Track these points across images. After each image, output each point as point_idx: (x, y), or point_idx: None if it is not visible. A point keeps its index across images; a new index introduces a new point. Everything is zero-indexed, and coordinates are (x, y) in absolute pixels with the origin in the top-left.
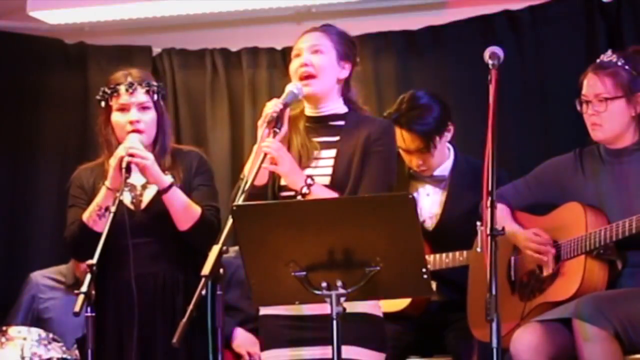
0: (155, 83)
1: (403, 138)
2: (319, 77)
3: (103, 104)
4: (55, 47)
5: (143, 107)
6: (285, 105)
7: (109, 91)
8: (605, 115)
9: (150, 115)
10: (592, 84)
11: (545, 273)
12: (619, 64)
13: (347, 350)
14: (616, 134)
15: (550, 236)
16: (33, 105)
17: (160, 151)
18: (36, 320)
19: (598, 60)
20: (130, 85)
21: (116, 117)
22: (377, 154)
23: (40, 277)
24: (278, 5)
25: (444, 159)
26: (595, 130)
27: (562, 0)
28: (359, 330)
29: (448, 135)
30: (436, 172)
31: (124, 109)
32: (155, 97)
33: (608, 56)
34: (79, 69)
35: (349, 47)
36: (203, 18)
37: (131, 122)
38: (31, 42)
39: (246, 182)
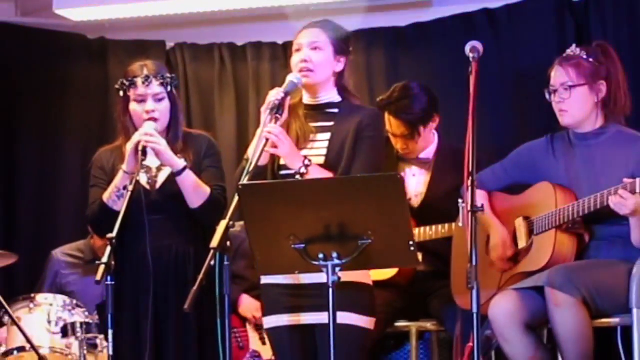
0: (168, 75)
1: (390, 123)
2: (317, 71)
3: (121, 93)
4: (79, 42)
5: (158, 98)
6: (286, 94)
7: (127, 83)
8: (570, 101)
9: (165, 105)
10: (558, 74)
11: (520, 246)
12: (583, 56)
13: (341, 316)
14: (581, 119)
15: (524, 213)
16: (59, 94)
17: (173, 137)
18: (60, 292)
19: (564, 54)
20: (147, 78)
21: (134, 106)
22: (368, 139)
23: (61, 254)
24: (280, 3)
25: (428, 144)
26: (562, 116)
27: None
28: (352, 297)
29: (433, 125)
30: (421, 155)
31: (141, 99)
32: (169, 88)
33: (572, 50)
34: (100, 61)
35: (344, 42)
36: (212, 15)
37: (147, 112)
38: (57, 38)
39: (250, 164)
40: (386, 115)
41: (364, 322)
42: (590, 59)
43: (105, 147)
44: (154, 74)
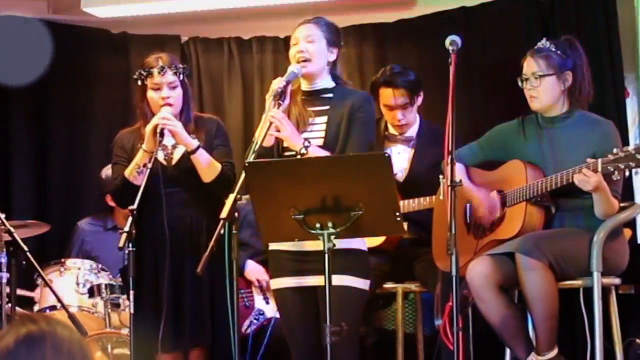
0: (181, 65)
1: (393, 95)
2: (313, 60)
3: (139, 82)
4: (103, 36)
5: (172, 86)
6: (288, 83)
7: (144, 73)
8: (540, 89)
9: (178, 92)
10: (530, 65)
11: (495, 215)
12: (552, 49)
13: (340, 279)
14: (549, 104)
15: (497, 187)
16: (85, 83)
17: (185, 119)
18: (86, 258)
19: (535, 47)
20: (162, 68)
21: (150, 93)
22: (360, 119)
23: (86, 224)
24: (281, 2)
25: (413, 123)
26: (532, 102)
27: None
28: (350, 262)
29: (419, 100)
30: (406, 134)
31: (157, 87)
32: (181, 77)
33: (542, 43)
34: (122, 53)
35: (336, 36)
36: (221, 12)
37: (163, 98)
38: (84, 32)
39: (256, 144)
40: (386, 90)
41: (361, 283)
42: (558, 52)
43: (126, 129)
44: (168, 65)
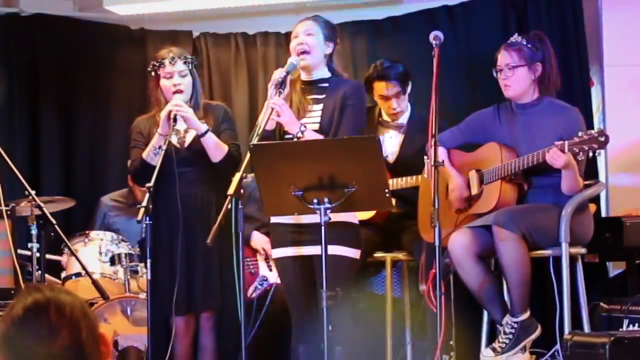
0: (189, 56)
1: (387, 87)
2: (311, 53)
3: (153, 73)
4: (123, 32)
5: (182, 75)
6: (288, 73)
7: (157, 64)
8: (512, 78)
9: (188, 80)
10: (503, 57)
11: (473, 192)
12: (523, 42)
13: (333, 249)
14: (521, 92)
15: (476, 167)
16: (107, 74)
17: (194, 105)
18: (108, 230)
19: (508, 41)
20: (172, 59)
21: (163, 82)
22: (351, 106)
23: (108, 200)
24: (283, 1)
25: (406, 111)
26: (506, 90)
27: None
28: (342, 234)
29: (409, 89)
30: (398, 121)
31: (169, 76)
32: (190, 66)
33: (515, 37)
34: (140, 47)
35: (332, 32)
36: (229, 10)
37: (174, 85)
38: (106, 28)
39: (259, 128)
40: (380, 84)
41: (352, 253)
42: (529, 45)
43: (142, 116)
44: (178, 55)
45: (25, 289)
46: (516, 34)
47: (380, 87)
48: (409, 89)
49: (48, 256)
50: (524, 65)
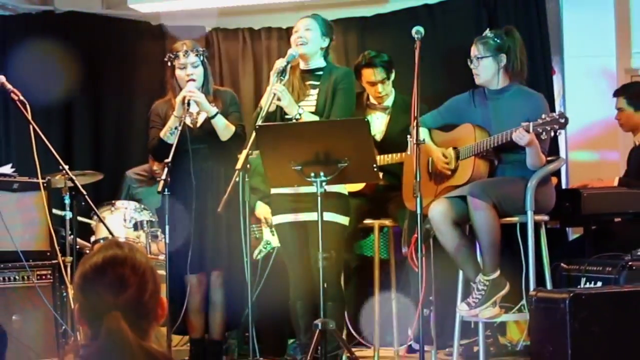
0: (201, 49)
1: (374, 73)
2: (308, 44)
3: (169, 64)
4: (145, 27)
5: (194, 65)
6: (288, 62)
7: (172, 56)
8: (480, 68)
9: (200, 70)
10: (474, 49)
11: (450, 167)
12: (490, 36)
13: (326, 215)
14: (488, 80)
15: (453, 144)
16: (131, 65)
17: (206, 91)
18: (131, 200)
19: (480, 35)
20: (186, 52)
21: (178, 72)
22: (341, 90)
23: (132, 174)
24: (284, 0)
25: (390, 95)
26: (476, 78)
27: None
28: (334, 203)
29: (392, 75)
30: (384, 104)
31: (182, 67)
32: (202, 58)
33: (485, 33)
34: (159, 41)
35: (328, 28)
36: (237, 8)
37: (188, 75)
38: (130, 24)
39: (263, 110)
40: (367, 70)
41: (341, 219)
42: (496, 39)
43: (159, 100)
44: (191, 49)
45: (109, 243)
46: (487, 29)
47: (367, 74)
48: (392, 75)
49: (80, 219)
50: (489, 56)
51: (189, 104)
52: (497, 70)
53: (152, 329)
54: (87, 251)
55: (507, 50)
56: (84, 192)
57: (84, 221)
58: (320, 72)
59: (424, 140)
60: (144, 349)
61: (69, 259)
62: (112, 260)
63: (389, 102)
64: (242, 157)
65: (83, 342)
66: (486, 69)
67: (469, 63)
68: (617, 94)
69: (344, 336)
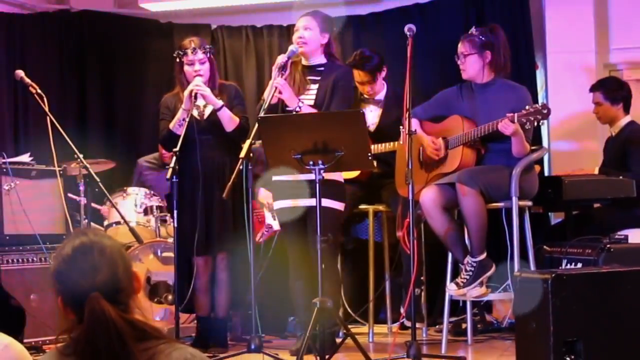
0: (208, 46)
1: (359, 75)
2: (308, 43)
3: (178, 60)
4: (154, 25)
5: (202, 62)
6: (288, 58)
7: (181, 52)
8: (466, 64)
9: (206, 66)
10: (461, 46)
11: (440, 156)
12: (476, 34)
13: (324, 201)
14: (474, 75)
15: (442, 135)
16: (141, 60)
17: (212, 86)
18: (142, 186)
19: (466, 33)
20: (194, 49)
21: (186, 67)
22: (341, 87)
23: (143, 161)
24: None
25: (381, 90)
26: (463, 73)
27: None
28: (330, 189)
29: (383, 74)
30: (376, 97)
31: (190, 63)
32: (208, 54)
33: (472, 30)
34: (168, 38)
35: (327, 24)
36: (241, 7)
37: (195, 71)
38: (140, 22)
39: (265, 103)
40: (355, 72)
41: (338, 205)
42: (481, 37)
43: (169, 94)
44: (198, 46)
45: (74, 233)
46: (473, 27)
47: (356, 74)
48: (382, 74)
49: (93, 205)
50: (475, 53)
51: (196, 97)
52: (483, 66)
53: (132, 301)
54: None
55: (492, 47)
56: (98, 179)
57: (95, 207)
58: (321, 69)
59: (415, 130)
60: (128, 321)
61: None
62: (80, 248)
63: (380, 96)
64: (245, 147)
65: (68, 331)
66: (472, 65)
67: (456, 59)
68: (593, 89)
69: (340, 314)
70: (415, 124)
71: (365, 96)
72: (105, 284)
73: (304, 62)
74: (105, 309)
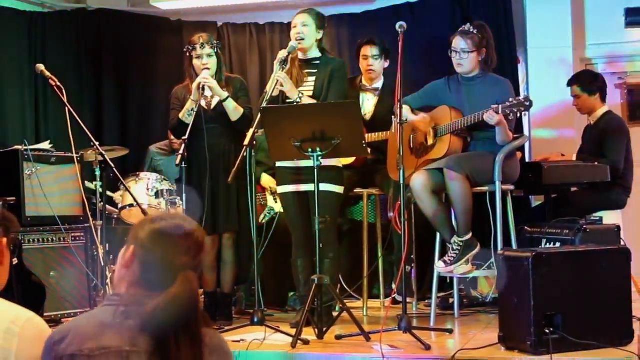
0: (215, 41)
1: (370, 49)
2: (306, 39)
3: (187, 54)
4: (165, 23)
5: (209, 56)
6: (289, 53)
7: (190, 47)
8: (466, 60)
9: (214, 60)
10: (458, 42)
11: (429, 143)
12: (474, 32)
13: (323, 186)
14: (470, 70)
15: (432, 123)
16: (152, 55)
17: (218, 78)
18: (154, 171)
19: (460, 29)
20: (202, 44)
21: (195, 61)
22: (336, 78)
23: (155, 148)
24: None
25: (380, 76)
26: (459, 68)
27: None
28: (330, 175)
29: (386, 64)
30: (374, 85)
31: (199, 57)
32: (216, 49)
33: (467, 27)
34: (178, 35)
35: (322, 21)
36: (245, 6)
37: (203, 64)
38: (152, 20)
39: (267, 94)
40: (366, 47)
41: (337, 189)
42: (479, 35)
43: (179, 86)
44: (206, 41)
45: (182, 216)
46: (468, 24)
47: (365, 49)
48: (386, 63)
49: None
50: (475, 50)
51: (203, 89)
52: (478, 62)
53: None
54: (115, 216)
55: (487, 45)
56: (112, 165)
57: (109, 195)
58: (317, 62)
59: (406, 119)
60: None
61: (99, 222)
62: (193, 231)
63: (379, 84)
64: (249, 135)
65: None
66: (472, 61)
67: (449, 53)
68: (570, 83)
69: (337, 290)
70: (407, 109)
71: (364, 84)
72: (195, 266)
73: (300, 56)
74: (196, 288)
